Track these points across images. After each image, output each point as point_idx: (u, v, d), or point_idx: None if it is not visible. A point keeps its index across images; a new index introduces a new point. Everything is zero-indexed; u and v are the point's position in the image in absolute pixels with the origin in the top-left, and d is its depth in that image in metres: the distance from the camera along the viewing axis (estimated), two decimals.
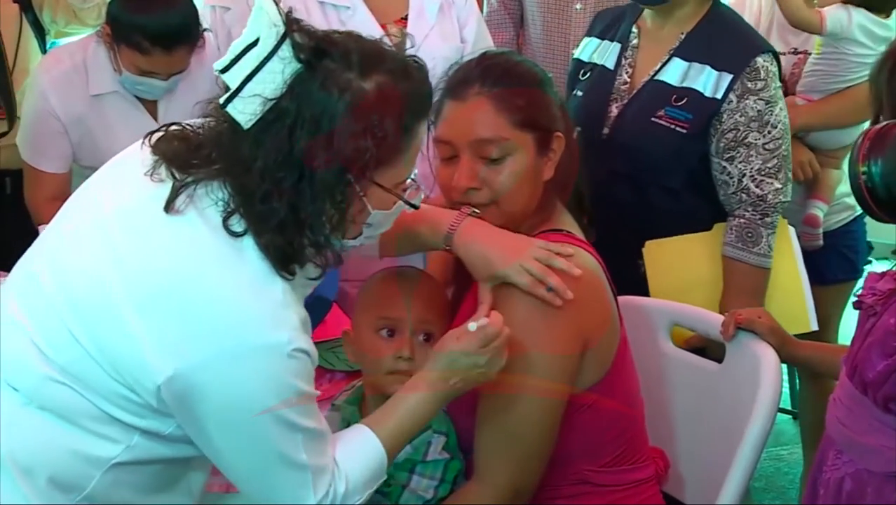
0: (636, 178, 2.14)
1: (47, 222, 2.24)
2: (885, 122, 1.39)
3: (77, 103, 2.43)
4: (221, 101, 1.26)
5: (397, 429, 1.41)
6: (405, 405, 1.41)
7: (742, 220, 2.10)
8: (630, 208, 2.14)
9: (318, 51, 1.26)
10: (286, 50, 1.24)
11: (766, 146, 2.08)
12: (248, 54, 1.24)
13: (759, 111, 2.07)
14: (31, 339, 1.31)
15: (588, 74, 2.26)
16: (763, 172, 2.08)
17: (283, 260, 1.27)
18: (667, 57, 2.15)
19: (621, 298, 1.66)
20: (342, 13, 2.37)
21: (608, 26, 2.29)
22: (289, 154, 1.24)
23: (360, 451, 1.38)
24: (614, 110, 2.18)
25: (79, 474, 1.31)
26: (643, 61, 2.20)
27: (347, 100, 1.25)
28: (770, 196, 2.08)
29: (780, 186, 2.09)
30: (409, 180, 1.36)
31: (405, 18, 2.39)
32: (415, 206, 1.39)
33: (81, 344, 1.29)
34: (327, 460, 1.34)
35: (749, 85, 2.07)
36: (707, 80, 2.08)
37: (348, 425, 1.48)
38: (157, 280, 1.26)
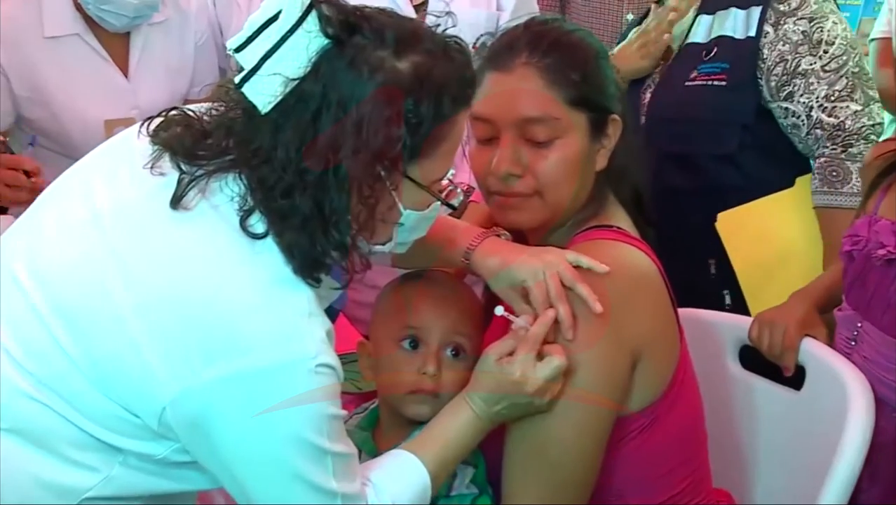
0: (685, 153, 1.98)
1: None
2: None
3: (27, 47, 2.17)
4: (237, 80, 1.17)
5: (442, 455, 1.33)
6: (451, 429, 1.34)
7: (823, 160, 1.91)
8: (687, 194, 1.97)
9: (347, 25, 1.18)
10: (312, 23, 1.16)
11: (826, 67, 1.89)
12: (268, 30, 1.16)
13: (803, 32, 1.90)
14: (3, 346, 1.21)
15: None
16: (833, 98, 1.88)
17: (308, 264, 1.19)
18: (692, 19, 2.03)
19: (682, 312, 1.52)
20: None
21: None
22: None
23: (404, 476, 1.30)
24: (648, 96, 2.06)
25: None
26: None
27: (380, 80, 1.17)
28: (848, 121, 1.88)
29: (858, 108, 1.88)
30: (445, 180, 1.28)
31: None
32: (453, 207, 1.32)
33: (68, 354, 1.18)
34: (357, 486, 1.26)
35: (782, 8, 1.92)
36: (735, 23, 1.96)
37: (360, 453, 1.35)
38: (166, 285, 1.17)
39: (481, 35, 1.51)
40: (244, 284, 1.17)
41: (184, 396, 1.15)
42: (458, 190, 1.32)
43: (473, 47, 1.49)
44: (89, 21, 2.17)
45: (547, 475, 1.37)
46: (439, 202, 1.28)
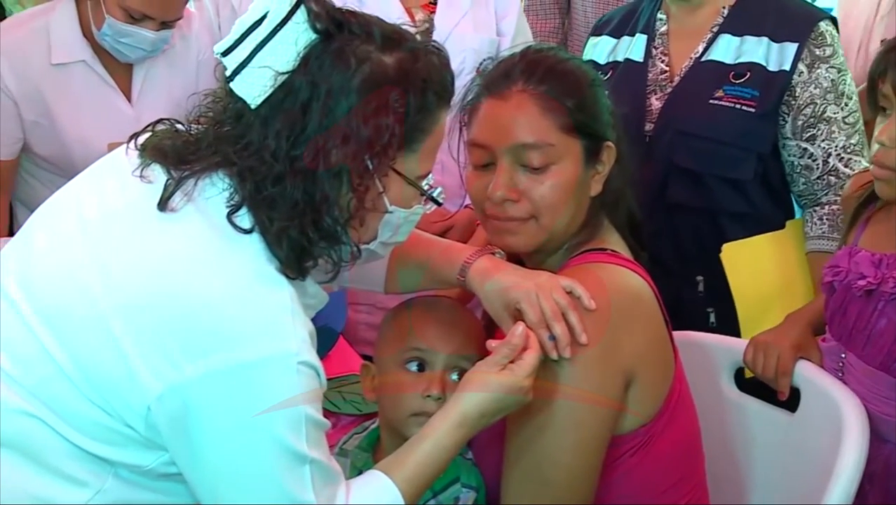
0: (698, 171, 1.95)
1: None
2: None
3: (34, 74, 2.16)
4: (228, 73, 1.18)
5: (417, 474, 1.28)
6: (424, 446, 1.29)
7: (834, 207, 1.92)
8: (687, 211, 1.96)
9: (335, 21, 1.21)
10: (301, 18, 1.18)
11: (847, 120, 1.93)
12: (257, 29, 1.18)
13: (832, 81, 1.92)
14: None
15: (609, 74, 2.08)
16: (849, 150, 1.93)
17: (296, 253, 1.19)
18: (711, 35, 1.99)
19: (677, 334, 1.52)
20: None
21: (621, 22, 2.14)
22: (302, 132, 1.17)
23: (375, 500, 1.25)
24: (655, 103, 1.99)
25: None
26: (680, 46, 2.02)
27: (367, 71, 1.18)
28: None
29: (867, 165, 1.90)
30: (425, 184, 1.29)
31: (434, 2, 2.22)
32: (438, 202, 1.33)
33: (54, 359, 1.18)
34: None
35: (818, 52, 1.92)
36: (768, 53, 1.93)
37: (359, 474, 1.33)
38: (146, 286, 1.16)
39: (484, 59, 1.52)
40: (225, 280, 1.16)
41: (168, 393, 1.14)
42: (439, 189, 1.32)
43: (477, 71, 1.50)
44: (96, 48, 2.17)
45: (544, 495, 1.37)
46: (421, 206, 1.29)
